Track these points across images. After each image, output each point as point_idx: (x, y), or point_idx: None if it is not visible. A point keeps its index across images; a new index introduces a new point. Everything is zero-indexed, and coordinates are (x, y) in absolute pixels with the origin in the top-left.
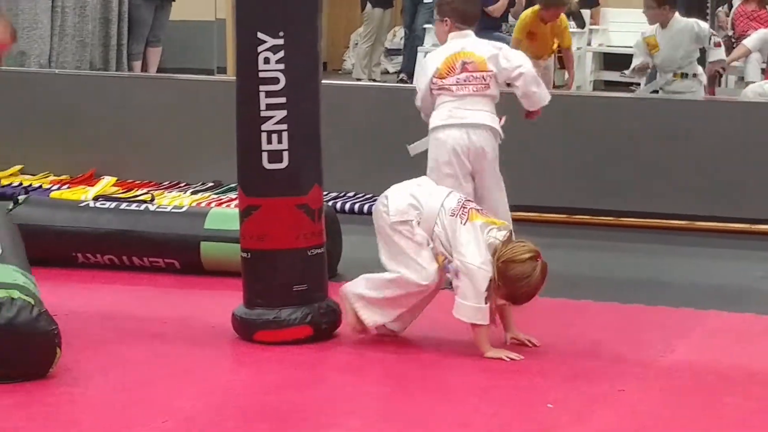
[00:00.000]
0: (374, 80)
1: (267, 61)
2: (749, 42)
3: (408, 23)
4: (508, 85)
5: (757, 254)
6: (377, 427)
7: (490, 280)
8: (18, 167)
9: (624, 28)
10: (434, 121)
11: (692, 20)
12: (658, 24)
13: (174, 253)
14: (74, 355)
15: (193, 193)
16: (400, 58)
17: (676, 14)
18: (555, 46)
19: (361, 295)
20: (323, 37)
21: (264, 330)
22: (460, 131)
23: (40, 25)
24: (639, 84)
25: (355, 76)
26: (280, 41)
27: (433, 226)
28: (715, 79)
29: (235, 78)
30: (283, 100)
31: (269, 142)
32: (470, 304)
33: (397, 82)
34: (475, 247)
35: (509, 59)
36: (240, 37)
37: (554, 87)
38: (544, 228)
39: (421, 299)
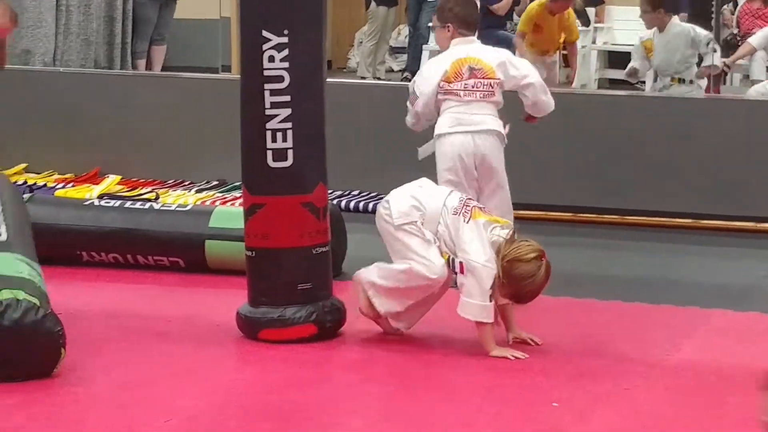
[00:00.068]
0: (379, 78)
1: (272, 59)
2: (754, 40)
3: (412, 21)
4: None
5: (762, 253)
6: (380, 426)
7: (495, 278)
8: (23, 165)
9: (629, 27)
10: (441, 127)
11: (689, 25)
12: (656, 27)
13: (178, 252)
14: (78, 354)
15: (197, 191)
16: (405, 57)
17: (674, 18)
18: (562, 40)
19: (373, 283)
20: (328, 35)
21: (268, 328)
22: (466, 137)
23: (44, 23)
24: (644, 82)
25: (359, 75)
26: (285, 39)
27: (437, 226)
28: (720, 78)
29: (239, 76)
30: (287, 98)
31: (274, 140)
32: (475, 302)
33: (402, 80)
34: (479, 245)
35: (517, 68)
36: (245, 35)
37: (558, 84)
38: (548, 226)
39: (429, 296)
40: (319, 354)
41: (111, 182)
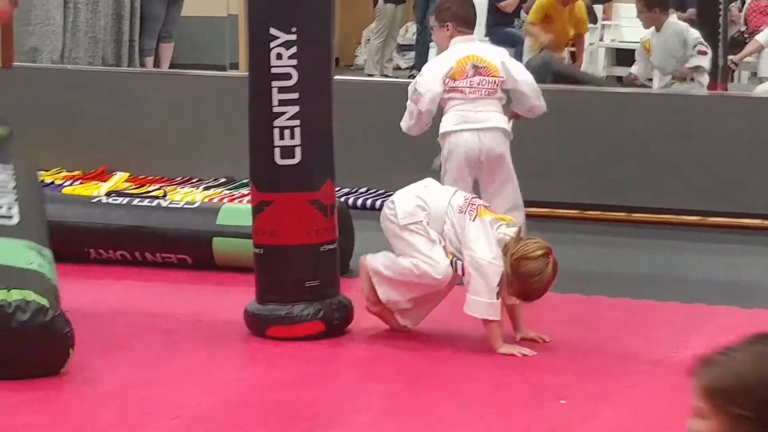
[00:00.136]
0: (386, 76)
1: (279, 56)
2: (762, 37)
3: (420, 19)
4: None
5: None
6: (387, 424)
7: (502, 275)
8: None
9: (636, 24)
10: (446, 125)
11: (684, 25)
12: (653, 27)
13: (186, 249)
14: (85, 351)
15: (205, 188)
16: (413, 54)
17: (670, 18)
18: (572, 34)
19: (377, 271)
20: (335, 32)
21: (276, 326)
22: (472, 135)
23: (52, 21)
24: (651, 80)
25: (367, 72)
26: (293, 37)
27: (443, 225)
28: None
29: (247, 74)
30: (295, 95)
31: (281, 137)
32: (482, 300)
33: (410, 77)
34: (485, 243)
35: (517, 71)
36: (252, 32)
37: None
38: (554, 224)
39: (435, 293)
40: (327, 351)
41: (119, 179)
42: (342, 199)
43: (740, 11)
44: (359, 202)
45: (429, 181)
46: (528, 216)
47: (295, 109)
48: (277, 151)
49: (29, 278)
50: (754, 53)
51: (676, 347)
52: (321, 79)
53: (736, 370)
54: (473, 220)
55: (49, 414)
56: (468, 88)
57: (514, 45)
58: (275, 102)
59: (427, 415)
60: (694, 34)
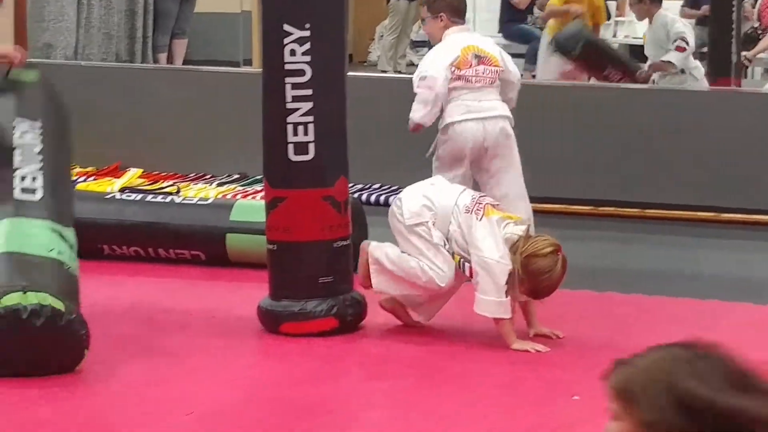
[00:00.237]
0: (400, 72)
1: (293, 53)
2: None
3: None
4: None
5: None
6: (400, 420)
7: (510, 274)
8: None
9: None
10: (452, 115)
11: (670, 17)
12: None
13: (200, 245)
14: (100, 348)
15: (218, 185)
16: (426, 50)
17: (660, 10)
18: (590, 24)
19: (379, 261)
20: (349, 29)
21: (290, 322)
22: (477, 124)
23: (66, 17)
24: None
25: (380, 68)
26: (306, 33)
27: (449, 225)
28: (741, 71)
29: (260, 70)
30: (309, 92)
31: (295, 134)
32: (491, 299)
33: None
34: (493, 242)
35: (510, 62)
36: (266, 29)
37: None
38: (569, 220)
39: (444, 291)
40: (340, 347)
41: (132, 176)
42: (355, 195)
43: (753, 7)
44: (372, 198)
45: (437, 179)
46: (541, 212)
47: (309, 105)
48: (290, 147)
49: (49, 270)
50: (767, 50)
51: None
52: (334, 76)
53: (644, 372)
54: (480, 219)
55: (63, 410)
56: (474, 77)
57: (527, 41)
58: (289, 98)
59: (439, 411)
60: (678, 28)
